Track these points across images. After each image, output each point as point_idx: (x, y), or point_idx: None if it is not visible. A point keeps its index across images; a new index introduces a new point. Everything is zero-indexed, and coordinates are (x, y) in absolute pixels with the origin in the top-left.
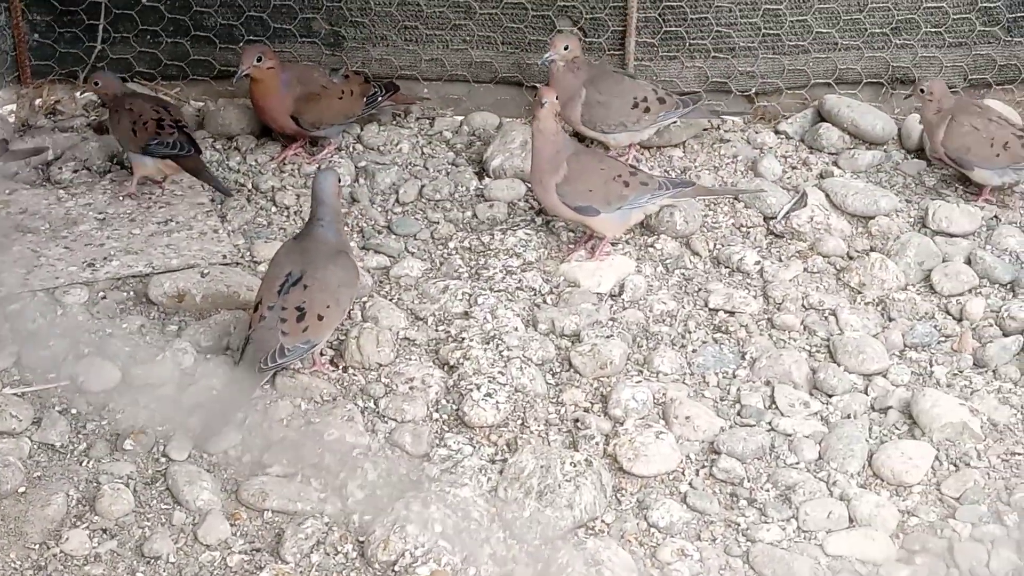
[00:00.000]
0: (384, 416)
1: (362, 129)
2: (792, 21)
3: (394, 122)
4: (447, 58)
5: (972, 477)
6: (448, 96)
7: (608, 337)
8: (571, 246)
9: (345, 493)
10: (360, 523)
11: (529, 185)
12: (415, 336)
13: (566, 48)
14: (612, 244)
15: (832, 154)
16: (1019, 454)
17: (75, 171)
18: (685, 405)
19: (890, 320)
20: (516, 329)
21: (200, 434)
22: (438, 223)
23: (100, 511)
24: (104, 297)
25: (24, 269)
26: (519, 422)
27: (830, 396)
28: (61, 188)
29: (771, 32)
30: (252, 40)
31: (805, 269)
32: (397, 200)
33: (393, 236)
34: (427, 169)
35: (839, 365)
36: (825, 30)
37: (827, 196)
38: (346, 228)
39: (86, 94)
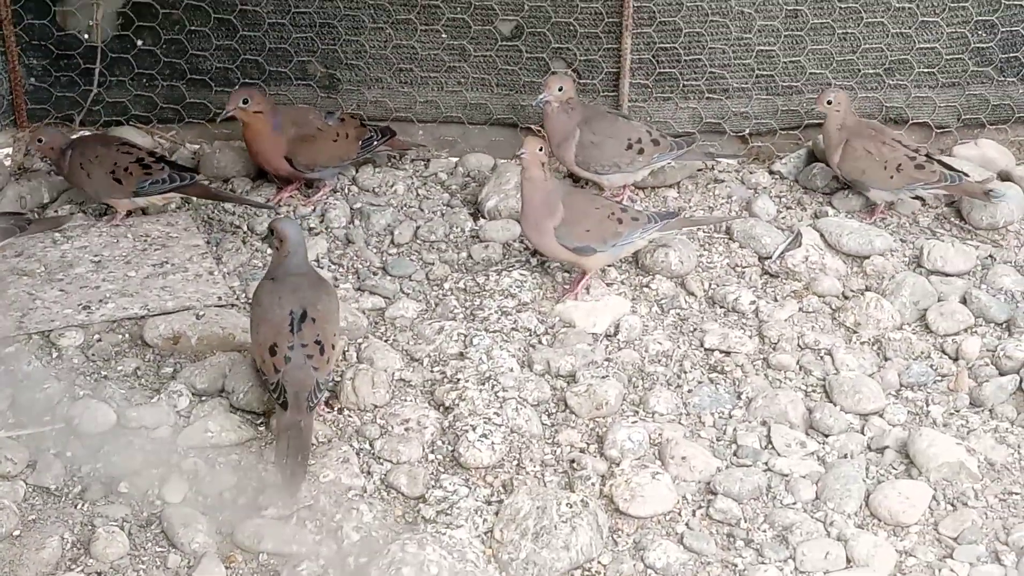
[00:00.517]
0: (379, 458)
1: (357, 171)
2: (785, 62)
3: (389, 164)
4: (442, 100)
5: (970, 517)
6: (443, 138)
7: (604, 377)
8: (566, 287)
9: (341, 535)
10: (356, 565)
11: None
12: (410, 377)
13: (560, 89)
14: (607, 285)
15: (826, 194)
16: (1017, 493)
17: (71, 214)
18: (681, 445)
19: (886, 360)
20: (511, 370)
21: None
22: (433, 264)
23: (95, 554)
24: (99, 340)
25: (19, 312)
26: (515, 463)
27: (826, 436)
28: (56, 231)
29: (765, 73)
30: (247, 83)
31: (800, 309)
32: (392, 241)
33: (388, 277)
34: (422, 210)
35: (835, 405)
36: (818, 71)
37: (822, 236)
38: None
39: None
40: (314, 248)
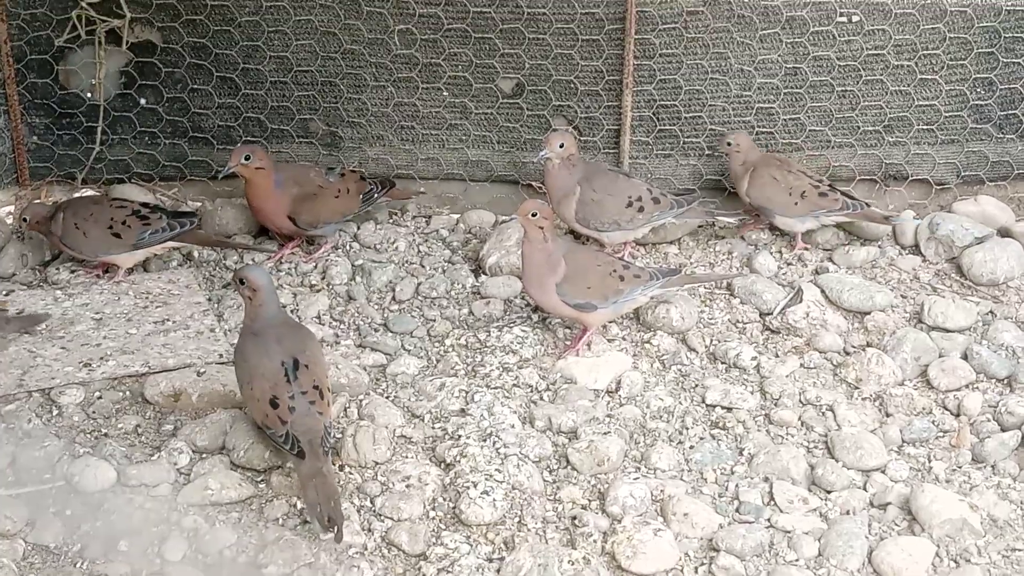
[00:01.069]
0: (380, 515)
1: (359, 227)
2: (785, 119)
3: (391, 220)
4: (443, 157)
5: (973, 574)
6: (444, 195)
7: (605, 434)
8: (567, 343)
9: None
10: None
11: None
12: (411, 434)
13: (561, 146)
14: (609, 341)
15: (827, 250)
16: (1020, 550)
17: (72, 271)
18: (683, 502)
19: (887, 415)
20: (513, 426)
21: None
22: (435, 320)
23: None
24: (100, 397)
25: (20, 370)
26: (516, 520)
27: (829, 492)
28: (58, 288)
29: (764, 130)
30: (249, 141)
31: (802, 365)
32: (394, 298)
33: (390, 334)
34: (423, 267)
35: (837, 461)
36: (818, 128)
37: (823, 292)
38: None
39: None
40: (315, 305)
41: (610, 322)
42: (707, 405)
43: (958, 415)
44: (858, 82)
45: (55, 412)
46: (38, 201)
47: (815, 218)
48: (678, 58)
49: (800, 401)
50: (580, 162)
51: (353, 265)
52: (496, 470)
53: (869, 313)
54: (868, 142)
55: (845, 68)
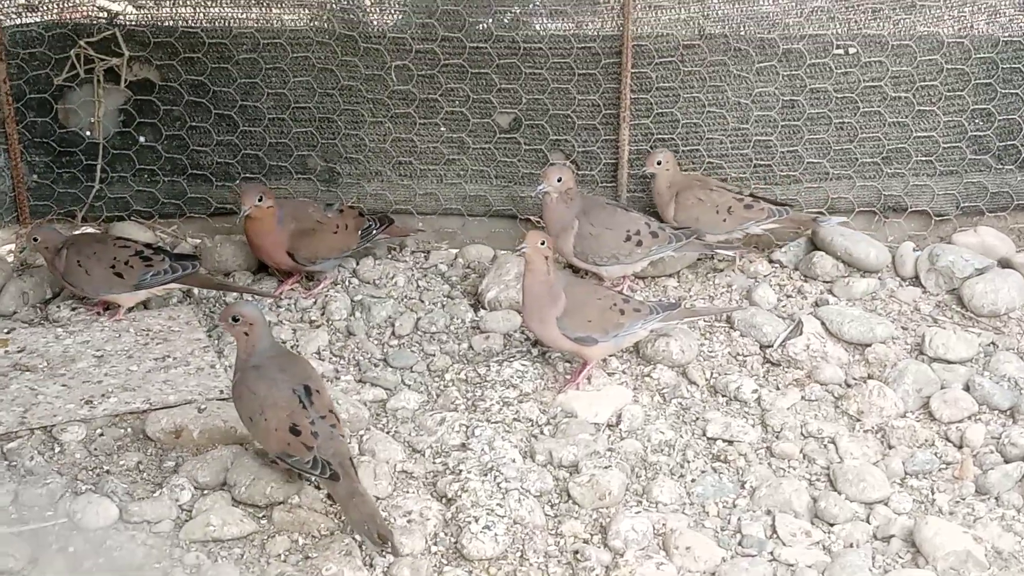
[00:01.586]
0: (383, 550)
1: (358, 263)
2: (783, 152)
3: (389, 256)
4: (441, 192)
5: None
6: (443, 229)
7: (606, 467)
8: (567, 377)
9: None
10: None
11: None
12: (412, 469)
13: (559, 180)
14: (609, 374)
15: (827, 282)
16: None
17: (73, 309)
18: (685, 535)
19: (890, 447)
20: (514, 460)
21: None
22: (434, 355)
23: None
24: (102, 434)
25: (22, 407)
26: (518, 554)
27: (832, 525)
28: (59, 326)
29: (762, 163)
30: (249, 179)
31: (803, 397)
32: (393, 333)
33: (390, 369)
34: (423, 302)
35: (840, 493)
36: (816, 160)
37: (823, 324)
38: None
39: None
40: (315, 340)
41: (610, 356)
42: (708, 438)
43: (961, 447)
44: (856, 114)
45: (57, 449)
46: (51, 225)
47: (744, 230)
48: (675, 91)
49: (802, 434)
50: (578, 196)
51: (352, 301)
52: (498, 504)
53: (870, 345)
54: (866, 174)
55: (842, 100)
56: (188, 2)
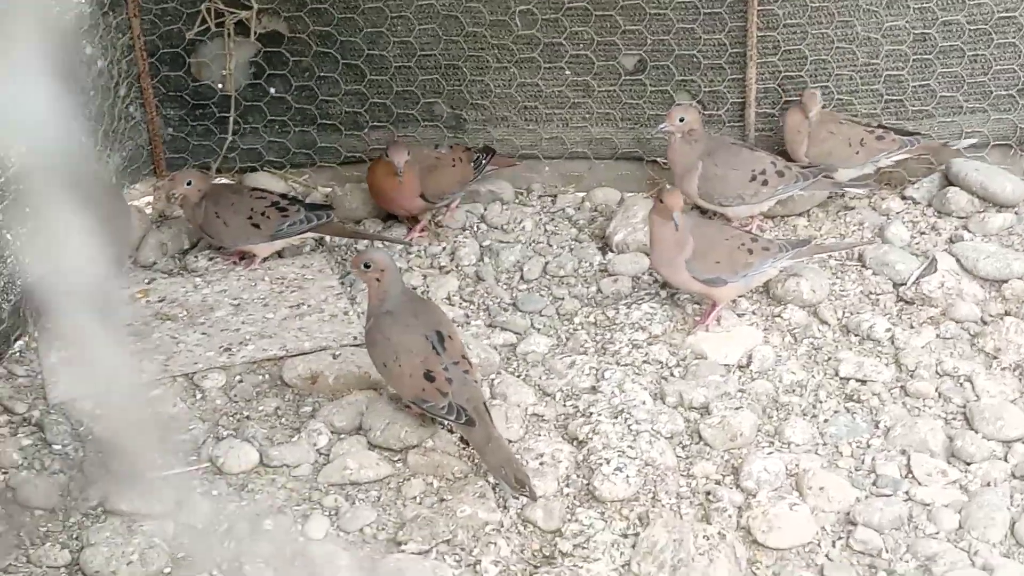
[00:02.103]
0: (520, 494)
1: (485, 208)
2: (915, 86)
3: (517, 200)
4: (567, 136)
5: None
6: (569, 173)
7: (737, 409)
8: (696, 318)
9: (479, 569)
10: None
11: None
12: (543, 412)
13: (682, 120)
14: (739, 315)
15: (961, 218)
16: None
17: (210, 259)
18: (819, 475)
19: None
20: (644, 403)
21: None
22: (563, 299)
23: None
24: (240, 381)
25: (164, 356)
26: (650, 496)
27: (968, 464)
28: (197, 276)
29: (894, 98)
30: (376, 127)
31: (938, 335)
32: (522, 277)
33: (519, 313)
34: (551, 246)
35: (976, 432)
36: (949, 94)
37: (958, 261)
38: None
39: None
40: (445, 286)
41: (740, 296)
42: (841, 378)
43: None
44: (989, 46)
45: (199, 396)
46: (202, 172)
47: (875, 163)
48: (803, 28)
49: (937, 372)
50: (703, 136)
51: (481, 246)
52: (628, 446)
53: (1007, 281)
54: (1001, 106)
55: (976, 32)
56: None
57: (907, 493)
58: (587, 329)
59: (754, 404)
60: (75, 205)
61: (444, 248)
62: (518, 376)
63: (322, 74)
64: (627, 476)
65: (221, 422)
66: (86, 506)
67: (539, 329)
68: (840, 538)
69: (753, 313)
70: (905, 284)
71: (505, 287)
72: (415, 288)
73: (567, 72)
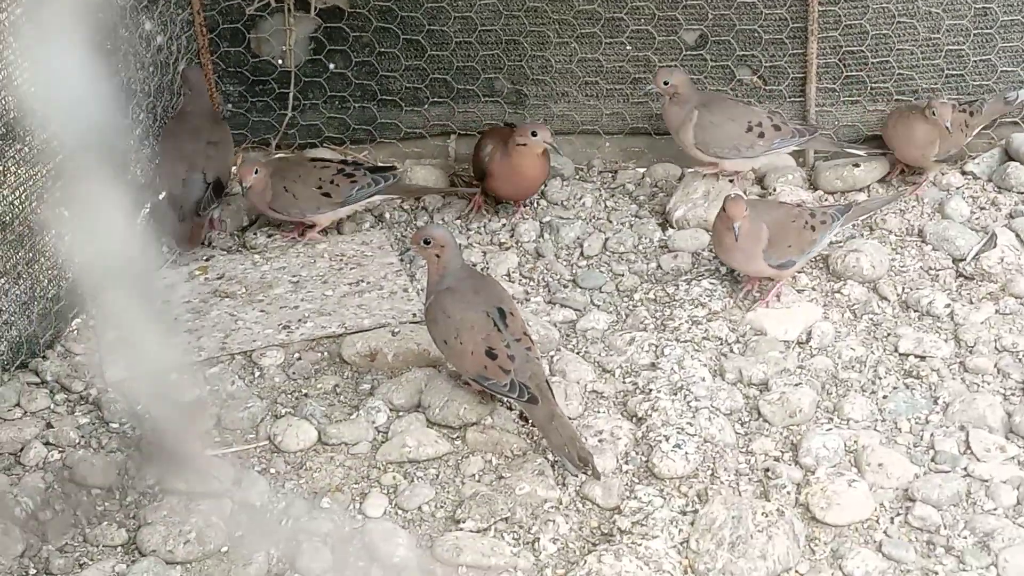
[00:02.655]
0: (583, 473)
1: (545, 185)
2: (975, 61)
3: (577, 176)
4: (628, 111)
5: None
6: (630, 149)
7: (797, 385)
8: (756, 294)
9: (538, 547)
10: None
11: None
12: (603, 389)
13: (666, 83)
14: (798, 292)
15: (1021, 193)
16: None
17: (269, 236)
18: (877, 452)
19: None
20: (703, 379)
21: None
22: (623, 275)
23: (300, 569)
24: (299, 358)
25: (222, 333)
26: (709, 473)
27: None
28: (256, 253)
29: (954, 73)
30: (436, 102)
31: (997, 311)
32: (582, 254)
33: (579, 289)
34: (610, 222)
35: None
36: (1010, 68)
37: (1017, 236)
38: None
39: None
40: (505, 262)
41: (799, 272)
42: (900, 354)
43: None
44: None
45: (257, 374)
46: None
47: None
48: (864, 2)
49: (996, 348)
50: (693, 93)
51: (541, 222)
52: (688, 423)
53: None
54: None
55: None
56: None
57: (965, 469)
58: (647, 305)
59: (813, 380)
60: (122, 187)
61: (504, 225)
62: (577, 353)
63: (382, 50)
64: (686, 453)
65: (279, 400)
66: (143, 485)
67: (599, 306)
68: (898, 514)
69: (813, 289)
70: (965, 259)
71: (565, 263)
72: (475, 264)
73: (628, 47)
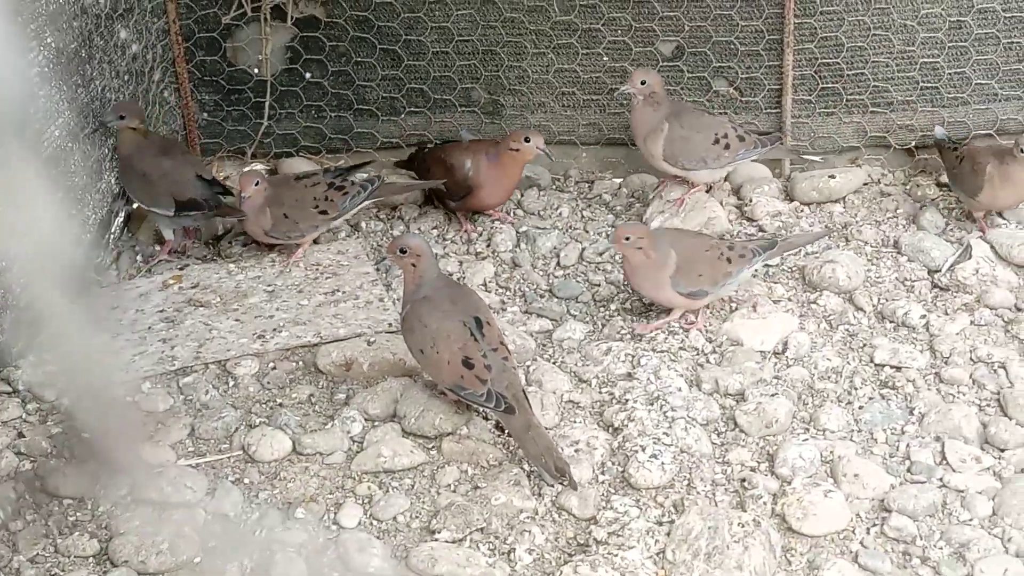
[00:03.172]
0: (560, 483)
1: (522, 195)
2: (950, 73)
3: (553, 186)
4: (604, 122)
5: None
6: (606, 159)
7: (773, 395)
8: (734, 305)
9: (514, 557)
10: None
11: None
12: (579, 399)
13: (643, 83)
14: (774, 302)
15: None
16: None
17: (244, 245)
18: (853, 462)
19: None
20: (680, 389)
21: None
22: (599, 285)
23: None
24: (274, 368)
25: (196, 342)
26: (685, 483)
27: (1002, 451)
28: (231, 262)
29: (929, 85)
30: (412, 112)
31: (972, 322)
32: (558, 263)
33: (555, 299)
34: (587, 232)
35: (1010, 419)
36: (984, 81)
37: (992, 248)
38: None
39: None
40: (481, 272)
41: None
42: (876, 364)
43: None
44: None
45: (231, 383)
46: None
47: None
48: (839, 15)
49: (971, 359)
50: (665, 99)
51: (517, 232)
52: (664, 433)
53: None
54: None
55: (1011, 20)
56: None
57: (941, 480)
58: (623, 316)
59: (789, 391)
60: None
61: (480, 234)
62: (554, 363)
63: (359, 59)
64: (662, 463)
65: (254, 410)
66: (115, 495)
67: (575, 316)
68: (874, 525)
69: (789, 299)
70: (940, 271)
71: (542, 273)
72: (451, 274)
73: (605, 58)
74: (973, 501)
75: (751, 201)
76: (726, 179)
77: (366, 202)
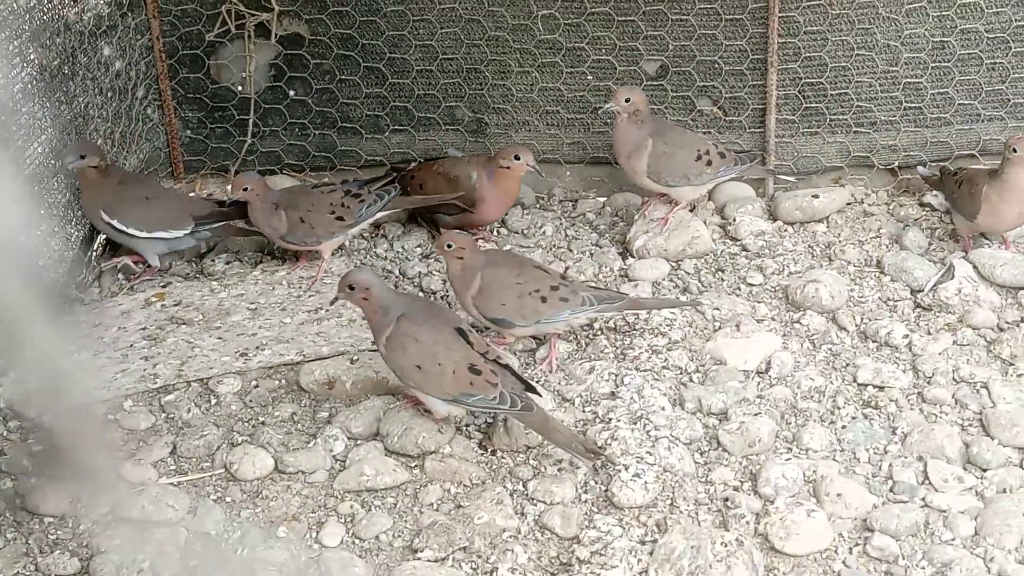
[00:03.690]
0: (533, 499)
1: (506, 214)
2: (933, 94)
3: (537, 205)
4: (588, 141)
5: None
6: (591, 178)
7: (756, 414)
8: (716, 324)
9: None
10: None
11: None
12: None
13: (627, 100)
14: (758, 321)
15: None
16: None
17: (227, 263)
18: (836, 482)
19: None
20: (663, 408)
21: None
22: None
23: None
24: (257, 386)
25: (179, 360)
26: (668, 502)
27: (984, 471)
28: (214, 280)
29: (912, 105)
30: (396, 130)
31: (955, 342)
32: None
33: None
34: (571, 251)
35: (993, 439)
36: (967, 102)
37: (975, 268)
38: None
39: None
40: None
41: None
42: (859, 384)
43: None
44: (1008, 54)
45: (213, 401)
46: (255, 174)
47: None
48: (823, 35)
49: (954, 379)
50: (648, 117)
51: None
52: (647, 453)
53: (1023, 288)
54: (1019, 115)
55: (994, 40)
56: None
57: (924, 499)
58: (606, 334)
59: (772, 410)
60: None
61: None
62: (537, 381)
63: (343, 77)
64: (645, 482)
65: (236, 428)
66: (97, 513)
67: (559, 334)
68: (857, 544)
69: (772, 319)
70: (923, 291)
71: None
72: (434, 293)
73: (589, 77)
74: (955, 521)
75: (735, 220)
76: (710, 198)
77: (381, 212)
